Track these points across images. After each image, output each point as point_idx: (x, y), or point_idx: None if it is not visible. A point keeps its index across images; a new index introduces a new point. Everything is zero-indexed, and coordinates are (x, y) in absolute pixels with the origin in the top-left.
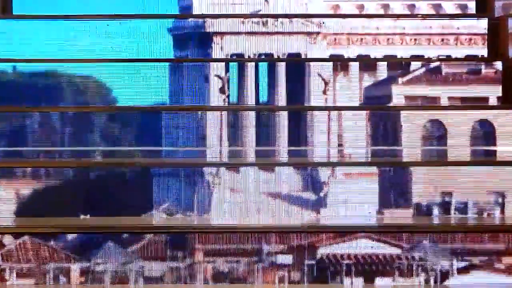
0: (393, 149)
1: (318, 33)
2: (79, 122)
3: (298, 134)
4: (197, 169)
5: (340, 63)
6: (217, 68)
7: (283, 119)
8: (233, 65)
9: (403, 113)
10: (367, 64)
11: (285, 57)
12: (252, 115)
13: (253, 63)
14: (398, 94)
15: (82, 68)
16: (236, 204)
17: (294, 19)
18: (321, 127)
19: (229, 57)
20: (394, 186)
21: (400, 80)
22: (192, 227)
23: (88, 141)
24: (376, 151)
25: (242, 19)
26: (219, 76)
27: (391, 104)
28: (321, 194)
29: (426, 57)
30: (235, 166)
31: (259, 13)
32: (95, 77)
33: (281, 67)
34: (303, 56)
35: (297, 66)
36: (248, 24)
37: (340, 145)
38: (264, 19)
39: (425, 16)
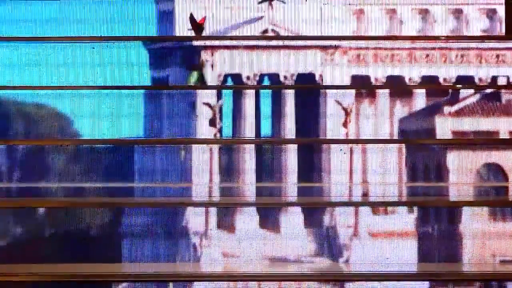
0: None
1: (336, 47)
2: (32, 157)
3: (310, 170)
4: (179, 227)
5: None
6: (206, 94)
7: (291, 153)
8: (228, 91)
9: (450, 154)
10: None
11: (294, 78)
12: (251, 148)
13: (252, 90)
14: (444, 127)
15: (37, 96)
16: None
17: (307, 29)
18: (340, 162)
19: (222, 78)
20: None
21: (446, 109)
22: None
23: (44, 178)
24: (413, 190)
25: (240, 28)
26: (209, 105)
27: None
28: (341, 260)
29: (477, 79)
30: (227, 207)
31: (261, 19)
32: (52, 106)
33: (289, 92)
34: (317, 77)
35: (309, 94)
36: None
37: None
38: (269, 28)
39: (449, 38)
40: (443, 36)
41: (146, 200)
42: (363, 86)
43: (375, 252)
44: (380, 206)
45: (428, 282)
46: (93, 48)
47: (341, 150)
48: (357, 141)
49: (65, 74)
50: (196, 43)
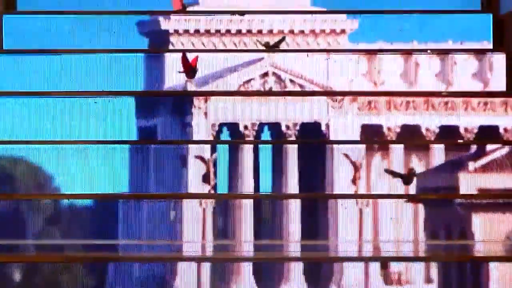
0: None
1: (342, 99)
2: (6, 217)
3: (315, 227)
4: None
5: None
6: (199, 146)
7: (293, 213)
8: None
9: (476, 217)
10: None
11: (298, 127)
12: (249, 204)
13: (251, 139)
14: (469, 185)
15: (11, 149)
16: None
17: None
18: (349, 219)
19: (216, 127)
20: None
21: (471, 165)
22: None
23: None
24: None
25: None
26: (202, 158)
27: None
28: None
29: (502, 129)
30: (222, 262)
31: (261, 61)
32: (29, 161)
33: (292, 144)
34: (323, 127)
35: (314, 143)
36: (244, 81)
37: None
38: (267, 86)
39: (451, 95)
40: (444, 92)
41: (133, 255)
42: (374, 141)
43: None
44: (393, 261)
45: None
46: (96, 102)
47: (345, 208)
48: (367, 196)
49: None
50: (188, 88)
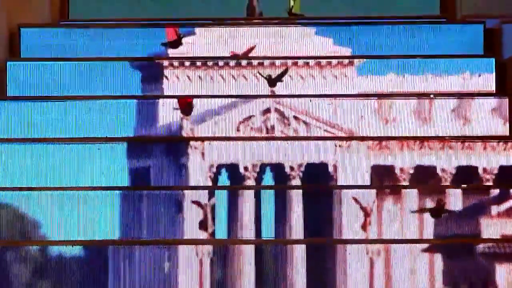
0: None
1: (350, 139)
2: None
3: (321, 279)
4: None
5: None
6: (196, 191)
7: (298, 257)
8: (223, 184)
9: (500, 267)
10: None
11: (303, 168)
12: (250, 252)
13: (252, 181)
14: (492, 232)
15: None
16: None
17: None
18: (359, 269)
19: (214, 169)
20: None
21: (494, 209)
22: None
23: None
24: None
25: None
26: (199, 203)
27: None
28: None
29: None
30: None
31: (264, 97)
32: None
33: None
34: (330, 168)
35: (320, 182)
36: (245, 131)
37: None
38: (269, 124)
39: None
40: (447, 137)
41: None
42: (386, 186)
43: None
44: None
45: None
46: (99, 149)
47: (355, 257)
48: (378, 241)
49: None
50: (185, 132)
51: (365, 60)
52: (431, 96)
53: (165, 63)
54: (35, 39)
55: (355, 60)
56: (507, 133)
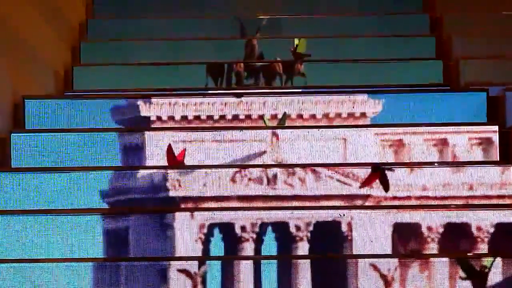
0: None
1: (367, 196)
2: None
3: None
4: None
5: (410, 246)
6: (184, 257)
7: None
8: (215, 247)
9: None
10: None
11: (311, 228)
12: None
13: (251, 245)
14: None
15: None
16: None
17: (321, 170)
18: None
19: (205, 229)
20: None
21: None
22: None
23: None
24: None
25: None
26: (187, 272)
27: None
28: None
29: None
30: None
31: (263, 155)
32: None
33: (303, 252)
34: (344, 227)
35: (332, 250)
36: (241, 183)
37: None
38: (270, 173)
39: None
40: (453, 205)
41: None
42: (411, 255)
43: None
44: None
45: None
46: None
47: None
48: None
49: None
50: (173, 192)
51: (380, 110)
52: (435, 164)
53: (153, 117)
54: (39, 109)
55: (369, 112)
56: None
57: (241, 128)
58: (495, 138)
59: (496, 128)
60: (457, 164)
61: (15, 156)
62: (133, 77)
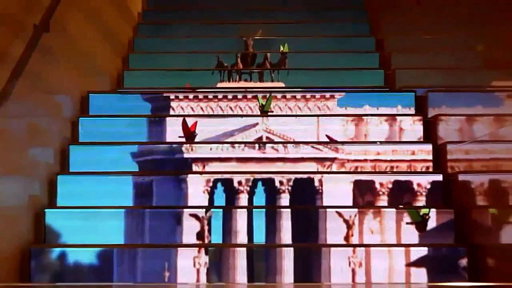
0: None
1: (333, 159)
2: None
3: (308, 276)
4: None
5: (365, 195)
6: (194, 205)
7: (287, 256)
8: (218, 197)
9: None
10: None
11: (291, 183)
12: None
13: (245, 195)
14: None
15: None
16: None
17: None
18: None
19: (211, 183)
20: None
21: None
22: None
23: None
24: None
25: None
26: (196, 216)
27: None
28: None
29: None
30: None
31: (256, 126)
32: None
33: (285, 202)
34: (316, 182)
35: (308, 199)
36: (239, 148)
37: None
38: (263, 136)
39: None
40: (390, 171)
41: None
42: (367, 206)
43: None
44: None
45: None
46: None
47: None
48: (359, 245)
49: None
50: (187, 154)
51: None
52: (378, 143)
53: (172, 96)
54: (99, 101)
55: (336, 94)
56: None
57: (241, 116)
58: (421, 123)
59: (421, 117)
60: (392, 142)
61: (82, 134)
62: (163, 78)
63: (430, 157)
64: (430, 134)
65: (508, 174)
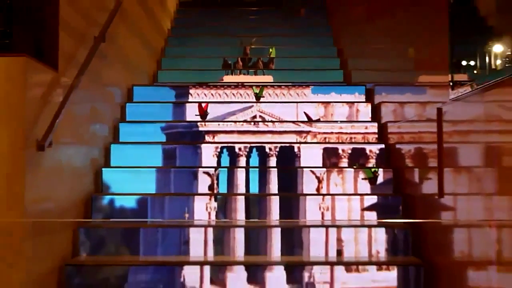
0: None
1: (308, 132)
2: None
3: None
4: (178, 283)
5: (332, 158)
6: (206, 165)
7: (274, 209)
8: (224, 159)
9: None
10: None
11: (277, 149)
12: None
13: (244, 158)
14: None
15: None
16: None
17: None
18: (314, 212)
19: (219, 149)
20: None
21: None
22: None
23: None
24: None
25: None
26: (208, 173)
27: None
28: None
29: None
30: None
31: (251, 108)
32: None
33: (272, 162)
34: (296, 149)
35: (290, 161)
36: (239, 124)
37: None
38: (257, 115)
39: None
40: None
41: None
42: (332, 166)
43: None
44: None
45: None
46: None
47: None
48: (327, 194)
49: None
50: (201, 128)
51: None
52: (338, 121)
53: (190, 84)
54: (140, 92)
55: (310, 85)
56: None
57: (241, 102)
58: (370, 107)
59: (370, 103)
60: (350, 122)
61: (128, 114)
62: (185, 75)
63: (377, 131)
64: (376, 115)
65: (427, 144)
